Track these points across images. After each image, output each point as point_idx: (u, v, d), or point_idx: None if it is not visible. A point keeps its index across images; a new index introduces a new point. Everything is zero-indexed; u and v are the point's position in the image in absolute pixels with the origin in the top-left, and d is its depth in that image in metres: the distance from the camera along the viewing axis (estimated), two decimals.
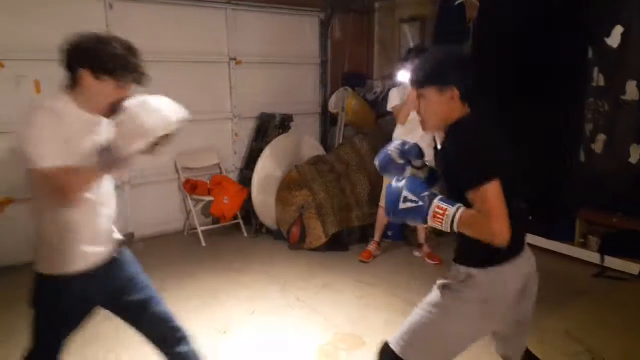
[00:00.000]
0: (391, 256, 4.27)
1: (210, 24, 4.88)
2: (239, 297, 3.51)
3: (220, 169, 4.96)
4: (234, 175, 5.10)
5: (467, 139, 1.60)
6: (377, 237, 4.18)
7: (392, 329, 3.02)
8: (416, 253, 4.25)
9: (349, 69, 5.99)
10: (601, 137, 3.76)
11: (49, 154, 1.54)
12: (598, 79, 3.73)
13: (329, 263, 4.10)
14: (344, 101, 5.40)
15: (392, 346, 1.77)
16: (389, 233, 4.47)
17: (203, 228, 4.60)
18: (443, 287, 1.72)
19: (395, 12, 5.92)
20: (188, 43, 4.72)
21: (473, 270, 1.65)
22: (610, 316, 3.19)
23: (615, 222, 3.78)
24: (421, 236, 4.19)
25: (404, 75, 3.80)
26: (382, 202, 4.00)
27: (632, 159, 3.58)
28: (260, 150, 4.74)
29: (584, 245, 4.02)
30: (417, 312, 1.75)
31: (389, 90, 4.21)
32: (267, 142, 4.77)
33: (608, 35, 3.60)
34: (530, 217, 4.29)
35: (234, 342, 2.96)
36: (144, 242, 4.44)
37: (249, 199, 4.63)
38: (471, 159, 1.55)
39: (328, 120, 5.85)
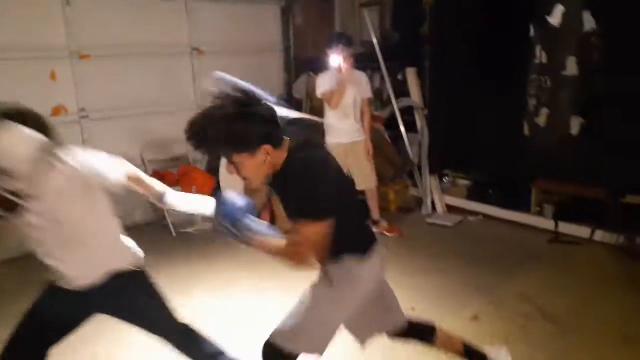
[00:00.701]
0: None
1: (171, 15, 4.88)
2: (212, 284, 3.59)
3: (188, 159, 4.99)
4: (202, 165, 5.15)
5: (301, 180, 1.61)
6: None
7: None
8: (373, 229, 4.38)
9: (312, 54, 6.05)
10: (544, 111, 3.95)
11: None
12: (541, 56, 3.89)
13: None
14: (307, 87, 5.48)
15: (276, 343, 1.79)
16: None
17: (173, 219, 4.65)
18: (313, 285, 1.85)
19: None
20: (149, 35, 4.72)
21: (336, 267, 1.79)
22: (562, 278, 3.40)
23: (567, 189, 3.99)
24: (375, 213, 4.36)
25: (334, 60, 3.92)
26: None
27: (573, 130, 3.78)
28: None
29: (540, 213, 4.23)
30: (293, 310, 1.85)
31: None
32: None
33: (549, 14, 3.76)
34: (490, 190, 4.54)
35: (214, 325, 3.04)
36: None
37: (218, 187, 4.68)
38: (303, 199, 1.61)
39: (293, 106, 5.93)
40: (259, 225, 1.73)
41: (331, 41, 4.08)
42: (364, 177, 4.16)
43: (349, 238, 1.80)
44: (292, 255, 1.66)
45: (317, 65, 5.80)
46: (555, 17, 3.70)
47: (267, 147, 1.60)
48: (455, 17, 4.40)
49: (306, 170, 1.62)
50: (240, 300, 3.34)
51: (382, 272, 1.95)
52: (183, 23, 4.96)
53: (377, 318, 2.04)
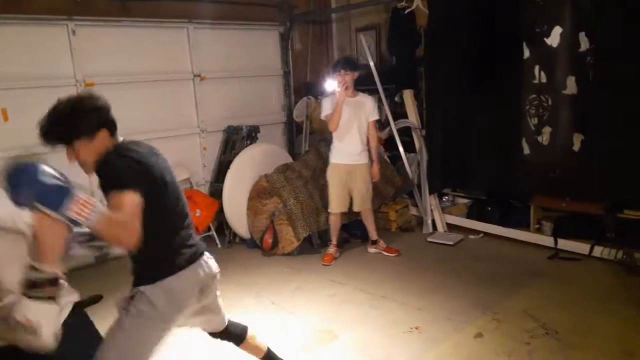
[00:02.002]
0: (358, 254, 4.48)
1: (173, 43, 5.01)
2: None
3: (190, 183, 5.06)
4: (204, 189, 5.21)
5: (110, 160, 1.79)
6: (334, 240, 4.39)
7: (362, 321, 3.23)
8: (371, 250, 4.47)
9: (311, 78, 6.19)
10: (547, 130, 4.04)
11: None
12: (540, 76, 4.00)
13: (302, 266, 4.26)
14: (307, 110, 5.59)
15: None
16: (358, 233, 4.68)
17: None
18: (123, 309, 1.91)
19: (351, 21, 6.17)
20: (152, 63, 4.84)
21: (146, 288, 1.88)
22: (564, 294, 3.44)
23: (565, 206, 4.06)
24: (373, 233, 4.42)
25: (330, 85, 4.05)
26: (331, 209, 4.28)
27: (575, 147, 3.87)
28: (229, 162, 4.87)
29: (539, 230, 4.30)
30: (112, 339, 1.89)
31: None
32: (236, 154, 4.91)
33: (548, 35, 3.88)
34: (488, 208, 4.60)
35: (215, 348, 3.07)
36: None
37: (221, 210, 4.75)
38: (112, 172, 1.76)
39: (294, 129, 6.03)
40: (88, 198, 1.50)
41: (334, 66, 4.20)
42: (362, 199, 4.24)
43: (169, 252, 1.92)
44: (123, 230, 1.58)
45: (316, 89, 5.96)
46: (553, 38, 3.82)
47: (104, 133, 1.87)
48: (449, 39, 4.52)
49: (119, 150, 1.85)
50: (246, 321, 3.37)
51: (205, 284, 2.07)
52: (185, 50, 5.08)
53: (200, 321, 2.26)
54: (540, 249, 4.16)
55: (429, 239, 4.67)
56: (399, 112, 5.14)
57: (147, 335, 1.89)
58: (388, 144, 5.16)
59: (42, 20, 4.14)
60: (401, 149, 5.00)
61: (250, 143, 5.09)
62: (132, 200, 1.65)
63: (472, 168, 4.57)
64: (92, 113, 1.87)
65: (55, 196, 1.42)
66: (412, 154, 5.09)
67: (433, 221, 4.88)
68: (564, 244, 4.06)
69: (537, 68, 3.99)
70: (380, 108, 5.32)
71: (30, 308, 1.43)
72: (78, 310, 1.75)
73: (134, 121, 4.74)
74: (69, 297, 1.70)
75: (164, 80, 4.95)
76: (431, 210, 4.89)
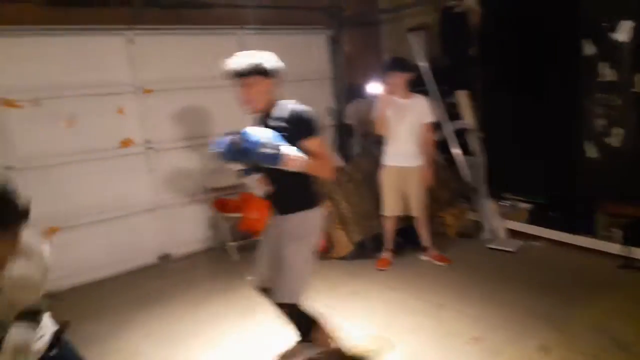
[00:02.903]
0: (413, 260, 4.36)
1: (224, 49, 5.04)
2: (272, 308, 3.63)
3: (245, 187, 5.10)
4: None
5: (304, 111, 2.33)
6: (388, 245, 4.30)
7: (418, 330, 3.14)
8: (423, 257, 4.33)
9: (361, 80, 6.12)
10: (618, 131, 3.80)
11: None
12: (606, 74, 3.78)
13: (356, 271, 4.20)
14: (358, 112, 5.53)
15: (287, 301, 2.41)
16: (401, 240, 4.55)
17: (235, 243, 4.76)
18: (287, 238, 2.37)
19: (402, 22, 6.06)
20: (205, 69, 4.91)
21: (303, 213, 2.39)
22: (636, 306, 3.21)
23: (636, 211, 3.80)
24: (426, 240, 4.30)
25: (373, 88, 3.96)
26: (386, 212, 4.19)
27: None
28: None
29: (607, 237, 4.04)
30: (281, 267, 2.36)
31: None
32: None
33: (614, 30, 3.66)
34: (551, 213, 4.39)
35: (275, 347, 3.07)
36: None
37: None
38: (311, 122, 2.33)
39: (345, 132, 5.99)
40: (283, 145, 2.17)
41: (384, 67, 4.12)
42: (417, 204, 4.14)
43: (310, 190, 2.42)
44: (324, 164, 2.30)
45: (366, 92, 5.89)
46: (623, 33, 3.59)
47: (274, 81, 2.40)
48: (504, 38, 4.36)
49: (298, 104, 2.41)
50: None
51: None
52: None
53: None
54: (609, 258, 3.91)
55: (488, 245, 4.50)
56: (453, 114, 5.00)
57: (307, 254, 2.42)
58: (443, 146, 5.02)
59: (103, 30, 4.30)
60: (457, 152, 4.86)
61: None
62: (325, 143, 2.31)
63: (532, 171, 4.37)
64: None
65: (272, 157, 2.12)
66: (469, 157, 4.93)
67: (492, 227, 4.70)
68: (637, 252, 3.80)
69: (603, 65, 3.77)
70: (433, 109, 5.22)
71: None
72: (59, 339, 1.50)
73: (190, 126, 4.87)
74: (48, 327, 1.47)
75: (215, 86, 5.01)
76: (490, 215, 4.71)
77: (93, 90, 4.30)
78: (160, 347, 3.20)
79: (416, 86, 4.88)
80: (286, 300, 2.40)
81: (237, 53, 2.44)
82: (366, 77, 6.03)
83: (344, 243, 4.40)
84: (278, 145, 2.13)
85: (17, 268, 1.23)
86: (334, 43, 5.90)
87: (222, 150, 2.28)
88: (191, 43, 4.83)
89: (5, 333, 1.27)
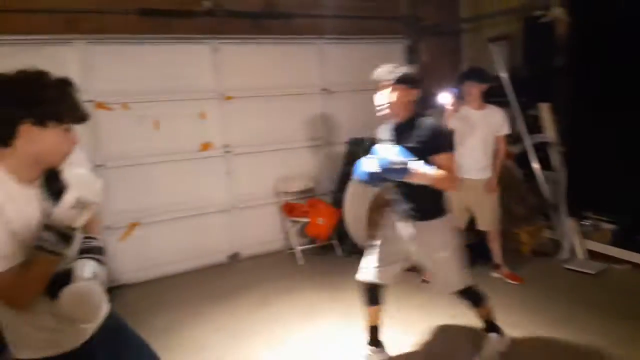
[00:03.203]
0: (486, 276, 4.17)
1: (304, 58, 5.23)
2: (335, 312, 3.69)
3: (314, 192, 5.22)
4: (327, 198, 5.34)
5: (440, 127, 2.57)
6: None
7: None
8: (494, 274, 4.17)
9: (436, 90, 6.03)
10: None
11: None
12: None
13: (422, 283, 4.13)
14: None
15: (462, 286, 2.77)
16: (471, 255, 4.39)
17: (300, 247, 4.87)
18: (445, 236, 2.69)
19: (482, 32, 5.91)
20: (284, 78, 5.11)
21: (442, 219, 2.69)
22: None
23: None
24: (497, 257, 4.13)
25: (444, 98, 3.91)
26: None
27: None
28: (351, 173, 4.91)
29: None
30: (447, 260, 2.69)
31: None
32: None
33: None
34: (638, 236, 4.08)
35: (334, 350, 3.16)
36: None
37: (342, 220, 4.81)
38: (446, 137, 2.62)
39: None
40: (410, 159, 2.35)
41: (459, 77, 4.05)
42: (483, 217, 4.01)
43: (442, 197, 2.69)
44: (451, 179, 2.48)
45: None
46: None
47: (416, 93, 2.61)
48: (592, 49, 4.12)
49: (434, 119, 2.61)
50: (362, 331, 3.36)
51: None
52: (315, 65, 5.28)
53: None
54: None
55: (566, 266, 4.25)
56: (534, 126, 4.79)
57: (456, 244, 2.73)
58: (522, 160, 4.83)
59: (189, 40, 4.58)
60: (536, 166, 4.65)
61: None
62: (453, 158, 2.55)
63: (619, 190, 4.08)
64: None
65: (399, 171, 2.33)
66: (549, 172, 4.69)
67: (571, 246, 4.44)
68: None
69: None
70: (513, 121, 5.04)
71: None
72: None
73: (266, 132, 5.06)
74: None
75: (294, 94, 5.19)
76: (570, 234, 4.45)
77: (178, 96, 4.58)
78: (225, 342, 3.34)
79: (496, 97, 4.76)
80: (461, 287, 2.76)
81: (384, 64, 2.62)
82: (441, 87, 5.96)
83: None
84: (406, 161, 2.33)
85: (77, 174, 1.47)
86: (412, 52, 5.86)
87: (365, 177, 2.46)
88: (271, 52, 5.01)
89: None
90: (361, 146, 5.23)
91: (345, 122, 5.47)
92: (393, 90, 2.53)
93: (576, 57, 4.39)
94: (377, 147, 2.44)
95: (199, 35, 4.60)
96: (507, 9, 5.25)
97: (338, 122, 5.43)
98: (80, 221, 1.40)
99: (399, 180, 2.40)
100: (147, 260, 4.57)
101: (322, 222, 4.75)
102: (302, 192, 5.21)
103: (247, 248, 5.03)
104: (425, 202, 2.64)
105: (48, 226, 1.37)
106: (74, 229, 1.40)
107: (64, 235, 1.37)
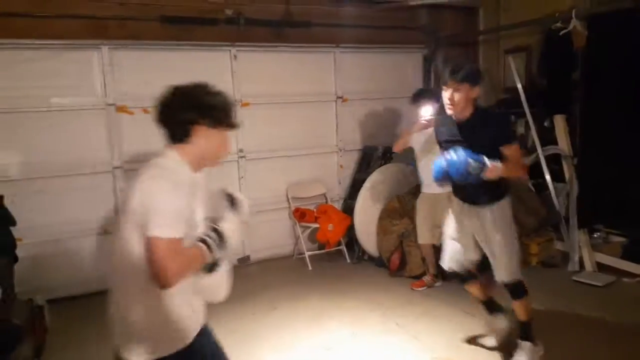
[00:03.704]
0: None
1: (320, 66, 5.32)
2: (342, 319, 3.73)
3: (325, 198, 5.30)
4: (338, 205, 5.41)
5: (506, 119, 2.88)
6: (431, 269, 4.24)
7: (488, 358, 3.05)
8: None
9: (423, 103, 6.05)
10: None
11: (171, 224, 1.49)
12: None
13: (428, 291, 4.18)
14: None
15: (513, 279, 2.79)
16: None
17: (310, 253, 4.94)
18: (497, 222, 2.76)
19: (499, 43, 5.93)
20: (300, 85, 5.21)
21: (501, 203, 2.77)
22: None
23: None
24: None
25: (426, 110, 3.98)
26: (419, 239, 4.16)
27: None
28: (363, 180, 4.98)
29: None
30: (502, 249, 2.77)
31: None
32: (370, 173, 5.01)
33: None
34: None
35: (341, 357, 3.21)
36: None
37: (352, 227, 4.88)
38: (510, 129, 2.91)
39: None
40: (484, 159, 2.51)
41: (417, 97, 4.17)
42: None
43: (502, 182, 2.73)
44: (518, 168, 2.73)
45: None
46: None
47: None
48: (612, 63, 4.13)
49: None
50: (368, 340, 3.42)
51: None
52: (330, 73, 5.37)
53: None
54: None
55: (574, 278, 4.24)
56: (547, 138, 4.80)
57: (514, 233, 2.83)
58: (534, 171, 4.83)
59: (210, 46, 4.71)
60: (548, 177, 4.65)
61: (385, 163, 5.15)
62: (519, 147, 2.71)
63: (630, 203, 4.06)
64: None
65: (480, 171, 2.51)
66: (561, 184, 4.69)
67: (580, 259, 4.42)
68: None
69: None
70: (527, 133, 5.04)
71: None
72: None
73: (280, 139, 5.16)
74: None
75: (310, 101, 5.28)
76: (579, 246, 4.44)
77: None
78: (233, 346, 3.36)
79: (511, 108, 4.79)
80: (513, 278, 2.79)
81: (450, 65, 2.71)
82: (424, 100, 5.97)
83: (418, 262, 4.39)
84: (480, 162, 2.50)
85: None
86: (429, 62, 5.91)
87: (438, 175, 2.69)
88: (288, 60, 5.12)
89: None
90: (375, 154, 5.30)
91: (359, 129, 5.54)
92: (456, 90, 2.61)
93: (593, 71, 4.39)
94: (452, 155, 2.55)
95: (219, 43, 4.72)
96: (527, 20, 5.26)
97: (352, 129, 5.51)
98: (236, 238, 1.69)
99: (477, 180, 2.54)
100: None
101: (332, 229, 4.82)
102: (313, 197, 5.29)
103: (257, 252, 5.12)
104: (486, 188, 2.69)
105: (215, 229, 1.64)
106: (228, 240, 1.66)
107: (223, 241, 1.64)
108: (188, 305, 1.67)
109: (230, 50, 4.81)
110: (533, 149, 4.81)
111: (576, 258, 4.43)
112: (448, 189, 3.81)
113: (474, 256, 2.96)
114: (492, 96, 5.97)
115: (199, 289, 1.68)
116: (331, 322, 3.70)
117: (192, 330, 1.68)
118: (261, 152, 5.06)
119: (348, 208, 5.16)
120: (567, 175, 4.63)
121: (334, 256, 5.08)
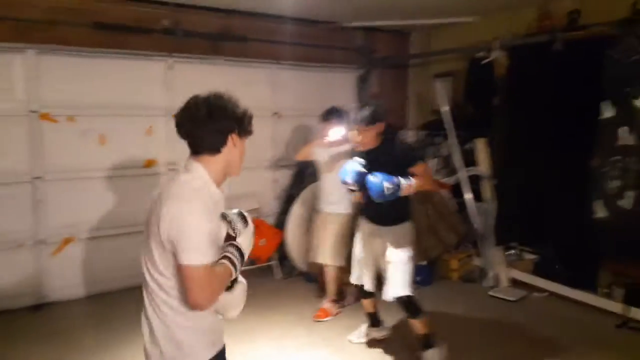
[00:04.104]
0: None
1: (257, 81, 5.33)
2: (270, 335, 3.76)
3: (258, 213, 5.29)
4: (272, 220, 5.43)
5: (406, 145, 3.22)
6: (330, 293, 4.16)
7: None
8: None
9: (386, 120, 6.29)
10: (631, 194, 3.77)
11: (204, 251, 1.49)
12: (624, 138, 3.78)
13: (356, 306, 4.26)
14: None
15: (405, 294, 3.04)
16: (418, 278, 4.59)
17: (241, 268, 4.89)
18: (399, 242, 3.05)
19: (429, 67, 6.26)
20: (239, 99, 5.18)
21: (403, 225, 3.09)
22: None
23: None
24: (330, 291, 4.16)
25: (335, 133, 3.95)
26: (322, 260, 4.12)
27: None
28: (296, 196, 5.04)
29: (608, 295, 4.03)
30: (396, 267, 3.05)
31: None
32: (303, 189, 5.08)
33: (636, 97, 3.71)
34: (556, 267, 4.39)
35: None
36: None
37: (284, 242, 4.90)
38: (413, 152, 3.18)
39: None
40: (398, 179, 2.81)
41: (324, 116, 4.15)
42: (324, 250, 4.10)
43: (406, 206, 3.12)
44: (433, 184, 3.35)
45: (388, 131, 6.06)
46: None
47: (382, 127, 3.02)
48: (526, 92, 4.48)
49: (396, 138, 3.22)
50: (294, 355, 3.47)
51: None
52: (268, 89, 5.39)
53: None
54: (609, 316, 3.90)
55: (490, 293, 4.53)
56: (469, 160, 5.10)
57: (410, 254, 3.08)
58: (456, 191, 5.11)
59: (145, 55, 4.60)
60: (468, 197, 4.94)
61: (318, 179, 5.23)
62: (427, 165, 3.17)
63: (541, 224, 4.41)
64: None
65: (395, 191, 2.80)
66: (481, 203, 5.00)
67: (496, 274, 4.73)
68: (636, 312, 3.78)
69: (623, 130, 3.78)
70: (450, 155, 5.33)
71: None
72: None
73: None
74: None
75: None
76: (495, 262, 4.75)
77: (126, 111, 4.57)
78: None
79: (437, 130, 5.03)
80: (405, 292, 3.04)
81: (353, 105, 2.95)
82: (392, 117, 6.22)
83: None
84: (396, 183, 2.78)
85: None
86: (362, 82, 6.11)
87: (350, 180, 2.98)
88: (225, 73, 5.08)
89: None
90: (308, 170, 5.38)
91: (294, 145, 5.61)
92: (362, 132, 2.94)
93: (511, 97, 4.74)
94: (371, 179, 2.82)
95: (154, 52, 4.63)
96: (454, 47, 5.60)
97: (286, 145, 5.57)
98: (249, 252, 1.71)
99: (392, 199, 2.82)
100: (84, 276, 4.49)
101: (264, 244, 4.82)
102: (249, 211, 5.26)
103: None
104: (390, 209, 2.96)
105: (236, 246, 1.63)
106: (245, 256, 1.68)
107: (242, 257, 1.64)
108: (210, 319, 1.71)
109: (166, 60, 4.73)
110: (456, 170, 5.09)
111: (492, 274, 4.73)
112: (344, 209, 4.03)
113: (373, 274, 3.27)
114: (419, 118, 6.30)
115: (217, 307, 1.68)
116: (260, 337, 3.70)
117: (218, 338, 1.78)
118: None
119: (281, 223, 5.19)
120: (485, 195, 4.94)
121: (265, 272, 5.05)
